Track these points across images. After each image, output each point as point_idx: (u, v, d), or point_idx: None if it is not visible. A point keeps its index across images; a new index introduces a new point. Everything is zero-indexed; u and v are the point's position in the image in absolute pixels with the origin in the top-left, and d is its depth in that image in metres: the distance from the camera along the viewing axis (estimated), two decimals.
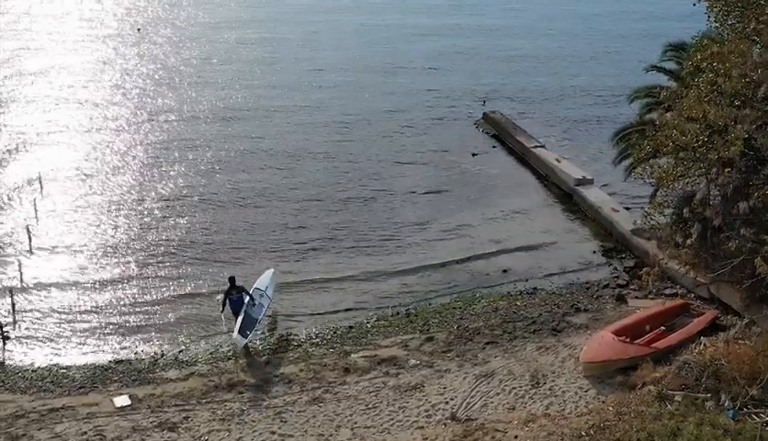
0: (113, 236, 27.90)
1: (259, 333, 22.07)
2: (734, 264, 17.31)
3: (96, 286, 24.87)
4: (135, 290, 24.68)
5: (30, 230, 27.46)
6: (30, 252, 26.57)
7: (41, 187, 30.98)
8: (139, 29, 58.74)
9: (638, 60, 36.90)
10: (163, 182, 32.13)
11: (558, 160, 33.26)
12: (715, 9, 17.98)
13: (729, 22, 18.43)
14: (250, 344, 21.54)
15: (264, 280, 23.94)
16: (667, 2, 57.86)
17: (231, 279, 22.39)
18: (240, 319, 21.65)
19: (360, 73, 46.91)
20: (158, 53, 51.75)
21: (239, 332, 21.25)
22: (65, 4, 65.67)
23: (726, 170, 14.34)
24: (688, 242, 17.58)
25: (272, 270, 24.80)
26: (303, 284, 25.19)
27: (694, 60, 17.62)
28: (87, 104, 41.39)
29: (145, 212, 29.64)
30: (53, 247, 26.98)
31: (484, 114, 39.80)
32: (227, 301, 22.02)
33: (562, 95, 43.59)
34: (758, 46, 15.90)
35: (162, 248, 27.04)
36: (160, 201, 30.49)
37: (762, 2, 17.74)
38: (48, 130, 37.57)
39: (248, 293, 22.35)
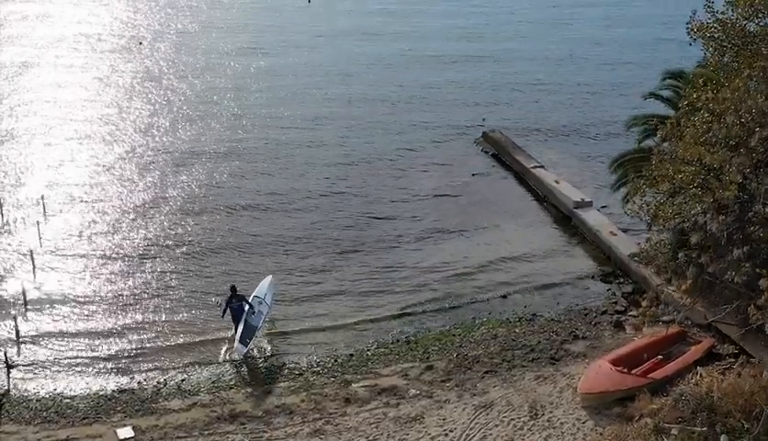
0: (116, 267, 28.02)
1: (257, 340, 23.06)
2: (728, 310, 17.58)
3: (100, 315, 25.13)
4: (138, 319, 24.91)
5: (34, 258, 27.66)
6: (34, 281, 26.77)
7: (45, 215, 31.15)
8: (141, 43, 59.07)
9: (645, 80, 37.49)
10: (165, 214, 32.05)
11: (556, 181, 33.50)
12: (710, 48, 18.27)
13: (725, 60, 18.69)
14: (250, 357, 22.45)
15: (262, 287, 24.96)
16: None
17: (233, 288, 23.52)
18: (240, 328, 22.67)
19: (359, 97, 46.77)
20: (160, 71, 51.94)
21: (239, 341, 22.30)
22: (63, 21, 65.55)
23: (720, 217, 14.58)
24: (683, 287, 17.81)
25: (270, 277, 25.84)
26: (304, 314, 25.31)
27: (690, 99, 17.91)
28: (88, 128, 41.31)
29: (147, 244, 29.68)
30: (57, 277, 27.15)
31: (484, 133, 40.03)
32: (227, 309, 23.10)
33: (563, 115, 43.62)
34: (753, 81, 16.14)
35: (164, 279, 27.25)
36: (162, 233, 30.49)
37: (757, 40, 18.01)
38: (48, 155, 37.58)
39: (248, 302, 23.42)
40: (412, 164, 37.22)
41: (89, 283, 26.93)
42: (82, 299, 25.91)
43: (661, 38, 56.22)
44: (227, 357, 22.69)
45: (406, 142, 39.73)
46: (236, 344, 22.36)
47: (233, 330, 23.07)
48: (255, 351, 23.05)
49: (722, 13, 17.94)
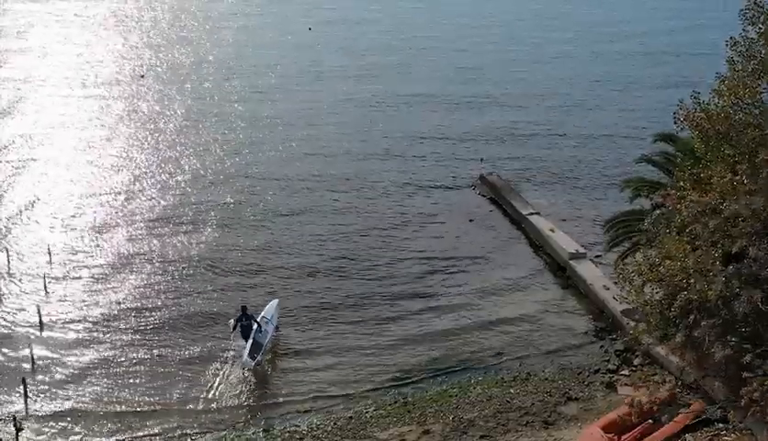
0: (123, 317, 28.61)
1: (264, 355, 25.52)
2: (712, 410, 18.30)
3: (107, 370, 25.63)
4: (145, 374, 25.44)
5: (41, 311, 28.24)
6: (41, 334, 27.36)
7: (50, 265, 31.76)
8: (142, 76, 59.82)
9: (648, 124, 38.26)
10: (171, 260, 32.77)
11: (552, 230, 34.15)
12: (696, 134, 18.94)
13: (711, 144, 19.34)
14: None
15: (269, 309, 27.53)
16: (687, 67, 58.35)
17: (244, 308, 26.31)
18: (249, 344, 25.34)
19: (356, 133, 47.74)
20: (163, 105, 52.69)
21: (248, 355, 25.04)
22: (63, 54, 66.03)
23: (704, 323, 15.25)
24: (668, 385, 18.47)
25: (277, 300, 28.37)
26: (303, 364, 26.13)
27: (677, 185, 18.61)
28: (92, 169, 42.07)
29: (153, 290, 30.44)
30: (64, 331, 27.71)
31: (481, 176, 40.73)
32: (237, 326, 25.89)
33: (561, 158, 44.35)
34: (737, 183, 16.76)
35: (170, 327, 28.02)
36: (168, 279, 31.26)
37: (742, 128, 18.65)
38: (52, 201, 38.06)
39: (256, 321, 26.16)
40: (409, 209, 37.94)
41: (96, 336, 27.46)
42: (89, 354, 26.46)
43: (667, 78, 56.94)
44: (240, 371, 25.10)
45: (404, 183, 40.61)
46: (245, 358, 25.03)
47: (242, 344, 25.69)
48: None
49: (707, 103, 18.61)
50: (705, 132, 18.77)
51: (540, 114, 51.60)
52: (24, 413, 23.47)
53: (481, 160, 43.41)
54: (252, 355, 25.10)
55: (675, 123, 18.85)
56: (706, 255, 15.48)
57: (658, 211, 23.17)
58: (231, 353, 26.05)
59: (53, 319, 28.34)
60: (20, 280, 30.89)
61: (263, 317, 26.84)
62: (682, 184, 18.35)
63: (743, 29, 19.14)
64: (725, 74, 19.73)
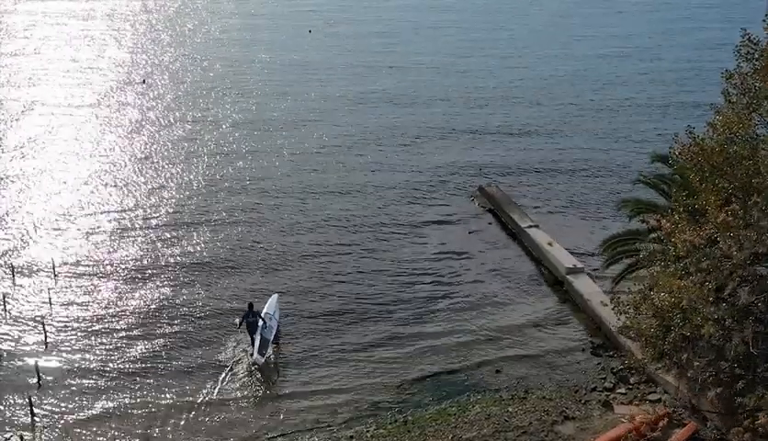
0: (129, 334, 28.85)
1: (271, 350, 27.33)
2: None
3: (114, 388, 25.85)
4: (152, 396, 25.61)
5: (46, 328, 28.59)
6: (46, 351, 27.68)
7: (55, 280, 32.07)
8: (144, 81, 59.99)
9: (647, 144, 38.58)
10: (177, 272, 33.13)
11: (550, 244, 34.48)
12: (690, 169, 19.40)
13: (706, 176, 19.77)
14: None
15: (271, 305, 29.16)
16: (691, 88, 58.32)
17: (250, 305, 27.91)
18: (257, 341, 26.96)
19: (355, 144, 47.84)
20: (165, 112, 52.94)
21: (258, 352, 26.79)
22: (64, 56, 66.03)
23: (696, 363, 15.65)
24: (661, 425, 18.90)
25: (276, 295, 30.04)
26: (304, 384, 26.42)
27: (672, 218, 19.05)
28: (94, 180, 42.27)
29: (159, 305, 30.66)
30: (68, 348, 27.97)
31: (480, 187, 41.03)
32: (243, 322, 27.49)
33: (563, 169, 44.58)
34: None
35: (177, 343, 28.28)
36: (174, 292, 31.55)
37: (735, 162, 19.06)
38: (55, 215, 38.09)
39: (262, 318, 27.75)
40: (408, 221, 38.19)
41: (101, 353, 27.68)
42: (94, 372, 26.68)
43: (669, 100, 56.96)
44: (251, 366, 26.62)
45: (403, 195, 40.79)
46: (255, 355, 26.74)
47: (250, 341, 27.37)
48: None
49: (702, 138, 19.04)
50: (701, 166, 19.21)
51: (542, 134, 50.68)
52: (30, 433, 23.85)
53: (480, 170, 43.68)
54: (261, 351, 26.72)
55: (670, 159, 19.29)
56: (699, 291, 15.87)
57: (653, 235, 23.68)
58: (240, 352, 27.55)
59: (58, 336, 28.59)
60: (25, 296, 31.12)
61: (266, 313, 28.32)
62: (677, 216, 18.75)
63: (738, 64, 19.60)
64: (720, 107, 20.21)
